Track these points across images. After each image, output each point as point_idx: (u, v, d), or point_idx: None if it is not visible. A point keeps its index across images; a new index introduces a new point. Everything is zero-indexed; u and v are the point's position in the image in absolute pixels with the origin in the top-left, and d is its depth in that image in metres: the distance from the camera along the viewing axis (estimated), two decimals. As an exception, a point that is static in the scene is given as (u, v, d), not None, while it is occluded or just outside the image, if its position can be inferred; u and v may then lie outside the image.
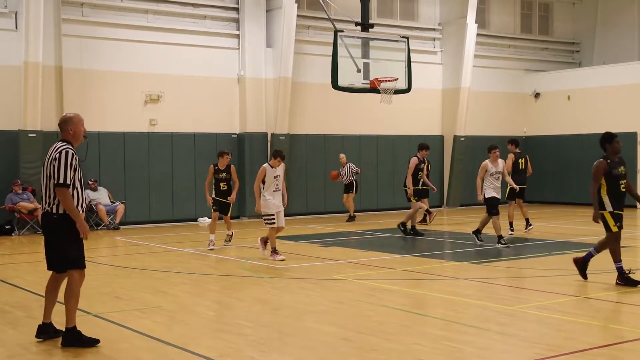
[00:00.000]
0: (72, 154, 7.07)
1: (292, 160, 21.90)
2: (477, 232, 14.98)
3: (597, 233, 16.72)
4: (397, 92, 17.25)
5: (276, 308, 9.02)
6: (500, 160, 14.86)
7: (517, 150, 17.49)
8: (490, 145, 15.00)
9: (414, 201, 16.73)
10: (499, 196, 14.86)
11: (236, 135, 21.46)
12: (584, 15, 28.57)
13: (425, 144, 17.18)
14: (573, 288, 10.44)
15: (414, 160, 16.81)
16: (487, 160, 14.64)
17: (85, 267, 7.24)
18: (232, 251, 14.18)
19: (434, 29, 25.51)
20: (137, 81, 19.98)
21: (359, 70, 16.94)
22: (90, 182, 19.00)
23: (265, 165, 13.06)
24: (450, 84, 25.05)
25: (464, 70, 24.54)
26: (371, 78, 16.99)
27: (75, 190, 7.12)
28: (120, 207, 19.09)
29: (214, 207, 14.39)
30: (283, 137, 21.52)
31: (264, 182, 12.86)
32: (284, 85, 21.23)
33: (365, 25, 17.41)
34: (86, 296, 9.85)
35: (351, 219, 20.56)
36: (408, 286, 10.63)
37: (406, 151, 24.00)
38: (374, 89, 17.00)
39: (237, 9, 21.48)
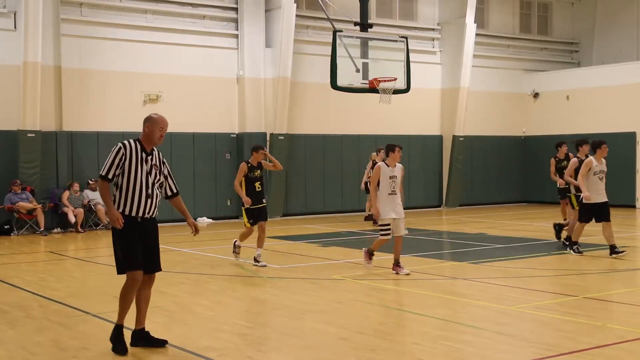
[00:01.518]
0: (120, 148, 6.98)
1: (290, 160, 21.91)
2: (574, 243, 13.35)
3: (595, 233, 16.75)
4: (396, 92, 17.25)
5: (275, 308, 9.02)
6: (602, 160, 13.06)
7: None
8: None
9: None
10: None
11: (235, 135, 21.46)
12: (583, 15, 28.59)
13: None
14: (572, 288, 10.45)
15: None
16: (591, 157, 12.85)
17: (135, 270, 6.81)
18: (231, 251, 14.14)
19: (433, 29, 25.51)
20: (136, 81, 19.98)
21: (358, 70, 16.94)
22: (90, 182, 19.00)
23: (381, 163, 11.35)
24: (449, 84, 25.06)
25: (463, 70, 24.54)
26: (370, 78, 16.99)
27: (133, 189, 6.83)
28: (119, 207, 19.07)
29: (250, 221, 12.29)
30: (282, 137, 21.53)
31: (378, 184, 11.21)
32: (283, 85, 21.24)
33: (364, 25, 17.41)
34: (85, 296, 9.87)
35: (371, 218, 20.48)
36: (407, 286, 10.63)
37: (405, 151, 24.02)
38: (373, 89, 17.00)
39: (236, 9, 21.48)
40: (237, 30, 21.44)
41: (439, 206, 25.23)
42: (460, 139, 25.02)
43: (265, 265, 12.04)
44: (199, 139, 20.66)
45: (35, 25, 17.86)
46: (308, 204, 22.63)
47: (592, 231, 17.12)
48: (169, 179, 7.37)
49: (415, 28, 24.98)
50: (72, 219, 18.14)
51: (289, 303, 9.30)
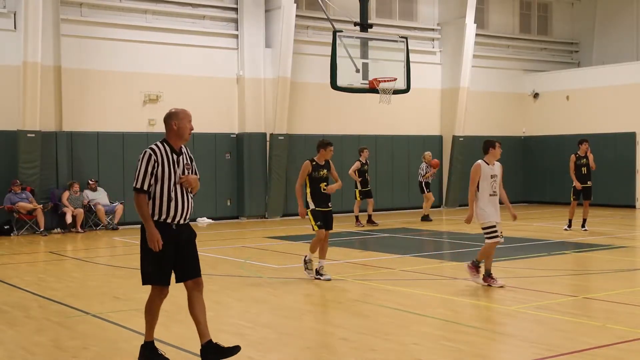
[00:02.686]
0: (150, 155, 6.27)
1: (290, 160, 21.90)
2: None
3: (595, 233, 16.75)
4: (396, 92, 17.25)
5: (275, 308, 9.02)
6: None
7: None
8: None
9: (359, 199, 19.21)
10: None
11: (235, 136, 21.46)
12: (582, 16, 28.59)
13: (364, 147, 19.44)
14: (572, 288, 10.45)
15: (357, 164, 19.00)
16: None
17: (163, 285, 6.45)
18: (231, 251, 14.16)
19: (432, 29, 25.51)
20: (136, 81, 19.98)
21: (357, 71, 16.93)
22: (90, 183, 19.00)
23: (481, 162, 10.24)
24: (449, 84, 25.06)
25: (462, 70, 24.54)
26: (370, 78, 16.99)
27: (168, 196, 6.28)
28: (119, 208, 19.08)
29: (318, 223, 10.84)
30: (282, 137, 21.53)
31: (478, 186, 10.22)
32: (282, 85, 21.24)
33: (364, 26, 17.41)
34: (84, 296, 9.87)
35: (425, 218, 20.54)
36: (407, 286, 10.63)
37: (405, 151, 24.08)
38: (372, 89, 17.00)
39: (235, 9, 21.48)
40: (237, 30, 21.44)
41: (439, 206, 25.23)
42: (460, 139, 25.01)
43: (330, 279, 10.63)
44: (198, 139, 20.62)
45: (35, 25, 17.85)
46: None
47: (591, 232, 17.13)
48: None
49: (415, 28, 24.98)
50: (69, 220, 18.11)
51: (288, 303, 9.30)
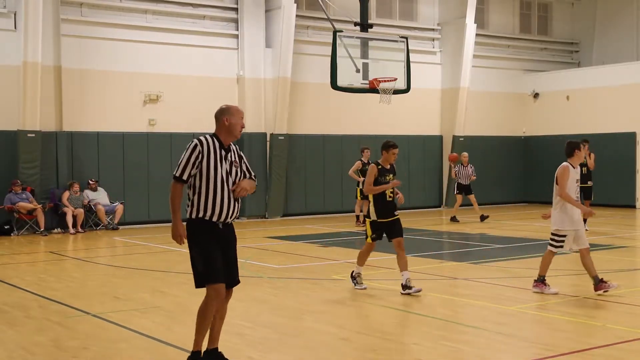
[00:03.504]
0: (196, 145, 6.13)
1: (290, 160, 21.93)
2: None
3: (595, 233, 16.77)
4: (396, 92, 17.25)
5: (275, 308, 9.02)
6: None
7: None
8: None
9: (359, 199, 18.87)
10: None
11: (235, 136, 21.42)
12: (583, 15, 28.58)
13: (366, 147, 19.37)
14: (572, 288, 10.45)
15: (358, 163, 18.89)
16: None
17: (218, 282, 6.06)
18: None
19: (433, 29, 25.51)
20: (136, 81, 19.98)
21: (358, 71, 16.94)
22: (90, 182, 19.01)
23: (567, 164, 9.59)
24: (449, 84, 25.06)
25: (463, 70, 24.54)
26: (370, 78, 16.99)
27: (214, 191, 6.05)
28: (119, 207, 19.08)
29: (373, 236, 9.88)
30: (282, 137, 21.53)
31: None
32: (283, 86, 21.24)
33: (364, 26, 17.41)
34: (85, 296, 9.87)
35: (485, 217, 20.21)
36: (407, 286, 10.61)
37: (405, 151, 24.03)
38: (373, 89, 17.00)
39: (236, 9, 21.48)
40: (237, 30, 21.44)
41: (439, 206, 25.23)
42: (460, 139, 25.01)
43: (420, 290, 9.55)
44: (199, 139, 20.63)
45: (35, 25, 17.85)
46: (308, 204, 22.63)
47: (591, 232, 17.14)
48: (246, 174, 6.42)
49: (415, 28, 24.98)
50: (70, 220, 18.10)
51: (288, 303, 9.30)
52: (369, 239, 9.92)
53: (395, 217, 9.85)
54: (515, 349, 6.99)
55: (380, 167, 9.86)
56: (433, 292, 9.80)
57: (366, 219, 10.01)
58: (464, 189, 20.57)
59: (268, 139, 21.57)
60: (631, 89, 24.42)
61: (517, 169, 27.04)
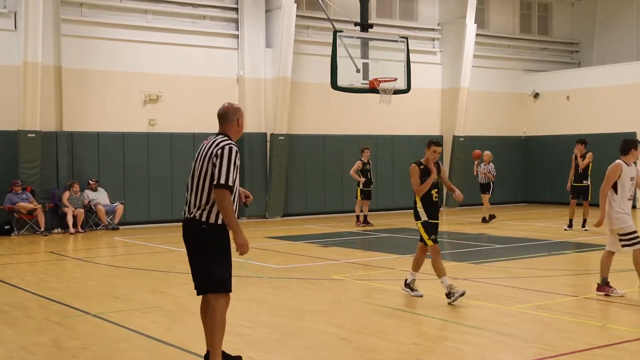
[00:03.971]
0: (237, 151, 5.96)
1: (290, 160, 21.93)
2: None
3: (595, 233, 16.76)
4: (397, 92, 17.25)
5: (275, 308, 9.02)
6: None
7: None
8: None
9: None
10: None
11: (235, 136, 21.41)
12: (583, 15, 28.59)
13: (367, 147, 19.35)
14: (572, 288, 10.46)
15: (358, 163, 18.99)
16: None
17: (231, 291, 6.06)
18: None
19: (433, 29, 25.51)
20: (136, 81, 19.98)
21: (358, 71, 16.93)
22: (90, 182, 19.01)
23: (620, 162, 9.27)
24: (450, 84, 25.06)
25: (463, 70, 24.55)
26: (370, 78, 16.99)
27: (234, 196, 5.95)
28: (119, 208, 19.08)
29: (432, 237, 9.45)
30: (282, 138, 21.53)
31: (615, 187, 9.26)
32: (283, 86, 21.24)
33: (365, 26, 17.40)
34: (85, 296, 9.87)
35: (491, 217, 19.93)
36: (407, 286, 10.61)
37: (405, 151, 24.04)
38: (373, 89, 17.00)
39: (236, 9, 21.48)
40: (237, 30, 21.44)
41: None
42: (461, 139, 25.01)
43: (421, 296, 9.46)
44: (199, 139, 20.61)
45: (35, 25, 17.85)
46: (308, 204, 22.63)
47: (592, 231, 17.14)
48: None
49: (415, 28, 24.98)
50: (70, 220, 18.10)
51: (288, 303, 9.30)
52: (429, 242, 9.39)
53: (439, 220, 9.60)
54: (515, 349, 6.99)
55: (422, 167, 9.44)
56: (433, 293, 9.80)
57: (417, 222, 9.60)
58: (481, 187, 20.27)
59: (268, 139, 21.57)
60: (631, 89, 24.41)
61: (517, 169, 27.03)
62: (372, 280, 10.92)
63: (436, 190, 9.60)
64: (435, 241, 9.41)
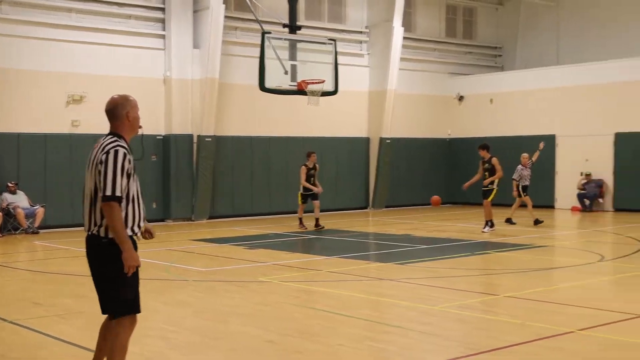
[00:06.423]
0: (125, 154, 5.22)
1: (218, 161, 21.77)
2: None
3: (516, 233, 17.20)
4: (324, 94, 17.33)
5: (200, 311, 8.94)
6: None
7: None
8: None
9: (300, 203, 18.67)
10: None
11: (162, 137, 21.16)
12: (506, 21, 29.29)
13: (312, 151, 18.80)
14: (493, 287, 10.69)
15: (303, 169, 18.39)
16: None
17: (139, 311, 5.47)
18: (156, 254, 13.95)
19: (361, 32, 25.72)
20: (59, 81, 19.47)
21: (286, 72, 16.94)
22: (9, 185, 18.44)
23: None
24: (377, 86, 25.30)
25: (390, 72, 24.82)
26: (298, 80, 17.02)
27: (131, 205, 5.24)
28: (39, 211, 18.56)
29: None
30: (209, 139, 21.34)
31: None
32: (210, 86, 21.07)
33: (293, 27, 17.43)
34: (3, 302, 9.57)
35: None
36: (333, 288, 10.68)
37: (333, 153, 24.19)
38: (301, 90, 17.04)
39: (163, 9, 21.19)
40: (164, 30, 21.16)
41: (366, 208, 25.44)
42: (387, 141, 25.29)
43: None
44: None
45: (-49, 22, 17.26)
46: (235, 205, 22.50)
47: (515, 231, 17.58)
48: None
49: (343, 31, 25.14)
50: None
51: (214, 306, 9.23)
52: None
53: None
54: (439, 348, 7.10)
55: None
56: (359, 293, 9.88)
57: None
58: (524, 189, 19.56)
59: (195, 140, 21.35)
60: (552, 92, 25.15)
61: (442, 171, 27.49)
62: (299, 282, 10.93)
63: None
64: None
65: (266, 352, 7.00)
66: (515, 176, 19.57)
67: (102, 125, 19.93)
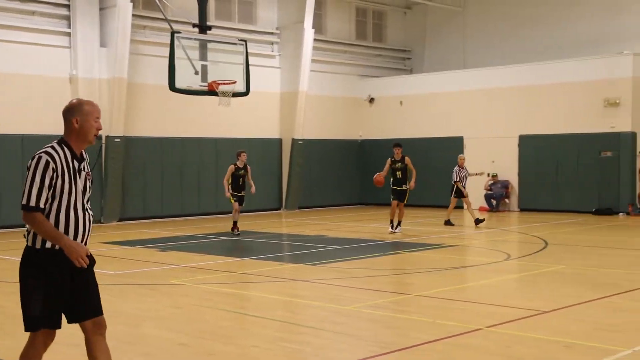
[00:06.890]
0: (47, 162, 4.82)
1: (128, 162, 21.36)
2: None
3: (423, 233, 17.57)
4: (236, 95, 17.25)
5: (112, 315, 8.72)
6: None
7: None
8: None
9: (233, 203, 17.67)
10: None
11: (68, 137, 20.57)
12: (414, 25, 29.87)
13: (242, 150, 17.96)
14: (405, 286, 10.89)
15: (230, 168, 17.67)
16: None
17: (53, 327, 5.03)
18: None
19: (272, 33, 25.73)
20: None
21: (196, 73, 16.77)
22: None
23: None
24: (288, 87, 25.36)
25: (301, 74, 24.92)
26: (209, 80, 16.87)
27: (63, 216, 4.88)
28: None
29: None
30: (118, 140, 20.92)
31: None
32: (119, 86, 20.65)
33: (203, 27, 17.27)
34: None
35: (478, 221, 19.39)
36: (246, 289, 10.65)
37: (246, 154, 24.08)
38: (212, 91, 16.90)
39: (68, 6, 20.62)
40: (70, 28, 20.60)
41: (279, 209, 25.47)
42: (299, 142, 25.39)
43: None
44: (28, 141, 19.59)
45: None
46: (146, 207, 22.13)
47: (428, 231, 17.94)
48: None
49: (254, 31, 25.08)
50: None
51: (126, 310, 9.06)
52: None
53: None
54: (352, 347, 7.18)
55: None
56: (272, 294, 9.89)
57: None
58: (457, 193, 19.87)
59: (104, 141, 20.87)
60: (459, 95, 25.80)
61: (353, 172, 27.80)
62: (211, 284, 10.85)
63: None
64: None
65: (179, 355, 6.93)
66: (455, 178, 19.86)
67: (5, 125, 19.34)
